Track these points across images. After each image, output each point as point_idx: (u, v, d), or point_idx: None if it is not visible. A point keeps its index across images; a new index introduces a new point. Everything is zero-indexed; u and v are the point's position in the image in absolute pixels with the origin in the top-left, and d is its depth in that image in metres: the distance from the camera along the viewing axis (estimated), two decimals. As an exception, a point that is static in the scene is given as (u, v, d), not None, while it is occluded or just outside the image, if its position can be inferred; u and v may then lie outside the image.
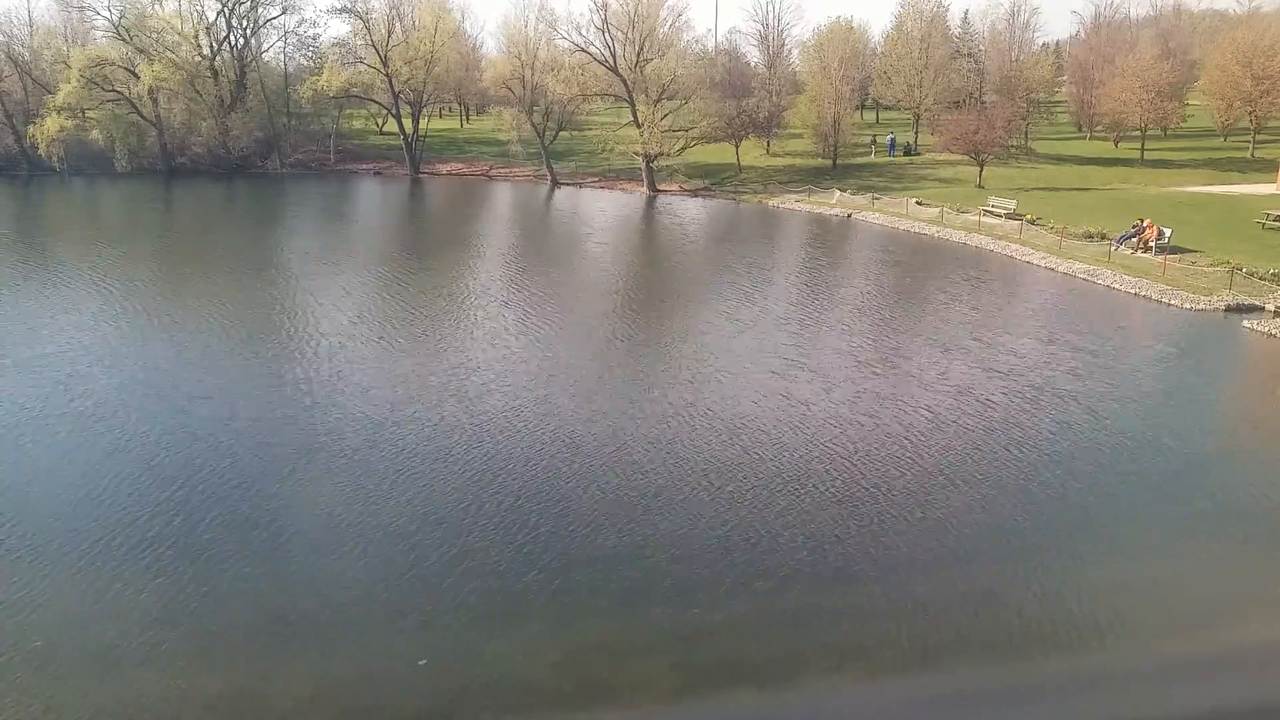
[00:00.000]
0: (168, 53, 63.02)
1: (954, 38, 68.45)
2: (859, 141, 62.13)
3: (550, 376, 21.49)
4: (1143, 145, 56.36)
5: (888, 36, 65.47)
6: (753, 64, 75.28)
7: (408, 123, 65.21)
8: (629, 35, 56.58)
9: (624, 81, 56.86)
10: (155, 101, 62.39)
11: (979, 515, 14.90)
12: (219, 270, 34.90)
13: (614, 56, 57.34)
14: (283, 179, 62.91)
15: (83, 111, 60.58)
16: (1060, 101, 70.04)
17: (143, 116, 62.34)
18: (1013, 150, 56.16)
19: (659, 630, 11.94)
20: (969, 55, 69.23)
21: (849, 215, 45.96)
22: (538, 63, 60.41)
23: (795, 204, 50.06)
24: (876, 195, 48.01)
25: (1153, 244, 33.33)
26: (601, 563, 13.25)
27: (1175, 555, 13.93)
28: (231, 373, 21.73)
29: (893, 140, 60.97)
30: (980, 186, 48.40)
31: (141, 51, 62.43)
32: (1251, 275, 29.14)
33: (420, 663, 11.21)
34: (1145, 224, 34.12)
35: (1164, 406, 20.10)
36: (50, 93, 60.36)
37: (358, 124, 72.35)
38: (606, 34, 57.32)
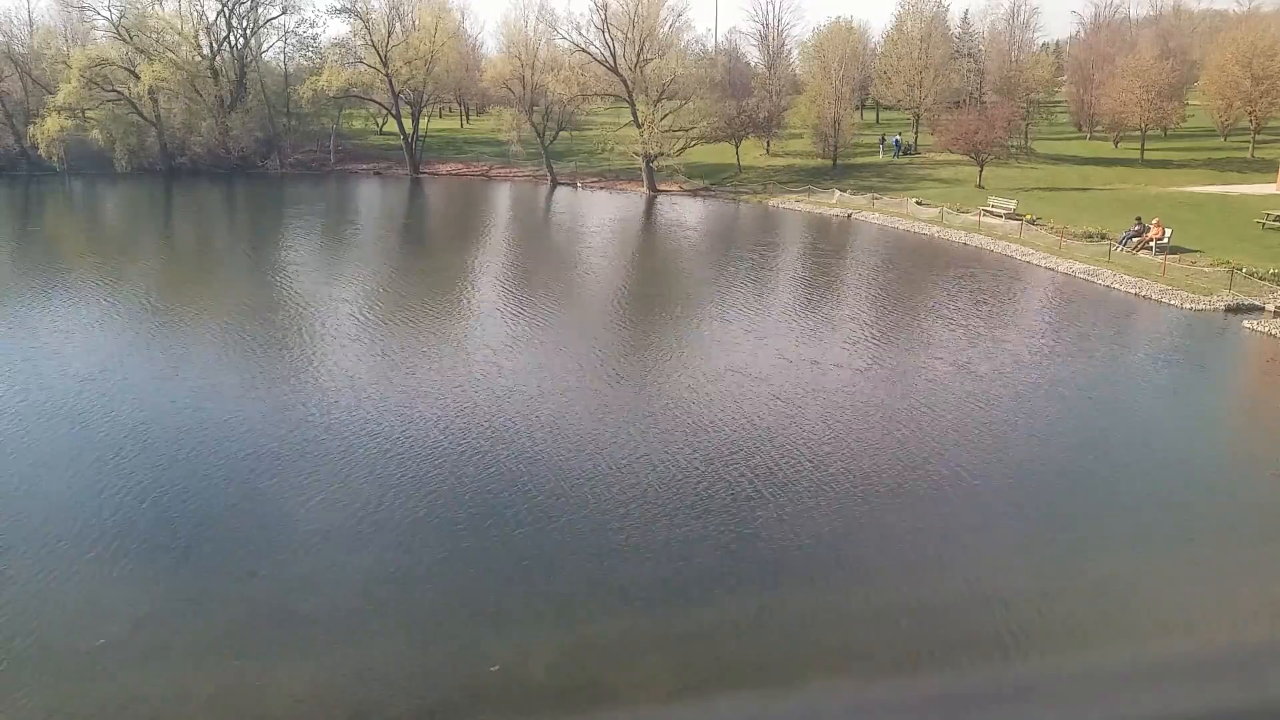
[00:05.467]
0: (168, 53, 63.06)
1: (954, 38, 68.49)
2: (863, 141, 62.10)
3: (550, 377, 21.47)
4: (1143, 145, 56.36)
5: (887, 37, 65.47)
6: (753, 64, 75.46)
7: (408, 123, 65.25)
8: (629, 35, 56.60)
9: (624, 81, 56.88)
10: (155, 101, 62.44)
11: (977, 515, 14.91)
12: (218, 272, 34.88)
13: (614, 56, 57.36)
14: (282, 179, 62.91)
15: (83, 111, 60.57)
16: (1060, 101, 70.01)
17: (143, 116, 62.35)
18: (1013, 150, 56.14)
19: (658, 630, 11.92)
20: (969, 55, 69.27)
21: (849, 215, 45.94)
22: (538, 63, 60.50)
23: (795, 204, 50.06)
24: (876, 195, 48.01)
25: (1153, 244, 33.33)
26: (601, 562, 13.26)
27: (1174, 555, 13.91)
28: (230, 373, 21.70)
29: (897, 141, 60.93)
30: (980, 187, 48.40)
31: (141, 51, 62.46)
32: (1251, 275, 29.17)
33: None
34: (1154, 223, 34.07)
35: (1163, 406, 20.09)
36: (50, 93, 60.39)
37: (358, 124, 72.38)
38: (606, 34, 57.41)
